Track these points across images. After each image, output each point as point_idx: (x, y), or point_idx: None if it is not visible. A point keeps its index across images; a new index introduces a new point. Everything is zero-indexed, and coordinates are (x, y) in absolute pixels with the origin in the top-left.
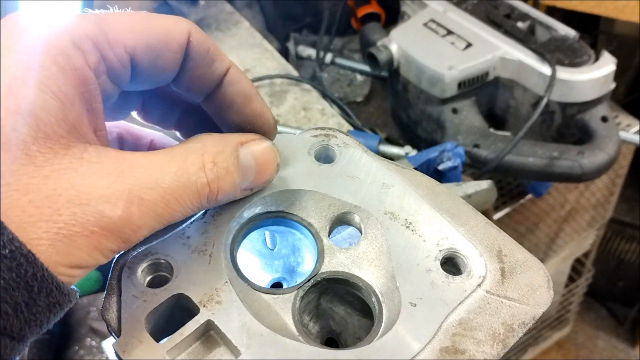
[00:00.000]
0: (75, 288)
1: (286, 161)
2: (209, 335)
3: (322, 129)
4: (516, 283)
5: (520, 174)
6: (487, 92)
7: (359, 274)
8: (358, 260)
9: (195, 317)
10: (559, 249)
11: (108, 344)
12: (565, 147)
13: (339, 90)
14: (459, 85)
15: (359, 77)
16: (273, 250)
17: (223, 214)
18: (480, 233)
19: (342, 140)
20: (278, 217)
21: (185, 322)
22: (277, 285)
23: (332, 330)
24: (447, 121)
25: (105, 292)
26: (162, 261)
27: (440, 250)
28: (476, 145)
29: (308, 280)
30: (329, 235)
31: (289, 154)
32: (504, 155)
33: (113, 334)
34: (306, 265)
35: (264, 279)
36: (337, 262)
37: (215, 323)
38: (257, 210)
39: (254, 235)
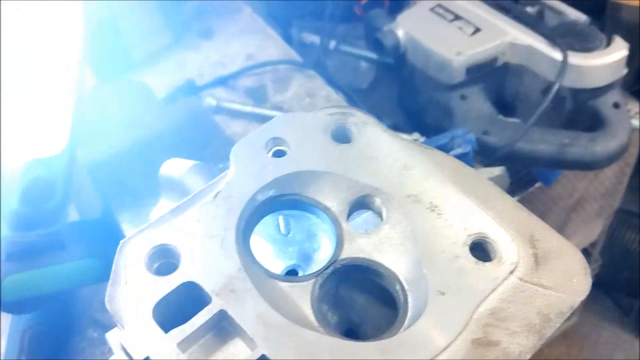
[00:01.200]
0: None
1: (301, 141)
2: (222, 326)
3: (338, 107)
4: (551, 270)
5: (530, 161)
6: (495, 78)
7: (382, 261)
8: (380, 245)
9: (207, 307)
10: (566, 238)
11: (112, 336)
12: (577, 134)
13: (343, 78)
14: (467, 71)
15: (363, 64)
16: (287, 236)
17: (234, 197)
18: (510, 217)
19: (361, 118)
20: (293, 201)
21: (196, 312)
22: (292, 273)
23: (351, 320)
24: (455, 108)
25: (110, 281)
26: (170, 247)
27: (468, 235)
28: (485, 133)
29: (327, 267)
30: (347, 220)
31: (303, 133)
32: (514, 142)
33: (119, 324)
34: (323, 252)
35: (278, 267)
36: (358, 248)
37: (229, 313)
38: (271, 193)
39: (267, 220)
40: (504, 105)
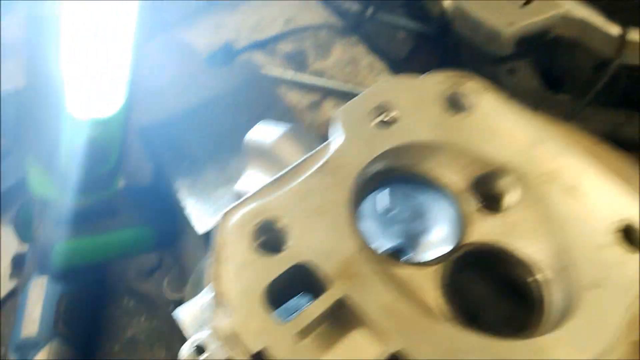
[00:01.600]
0: None
1: (412, 108)
2: (340, 314)
3: (451, 71)
4: None
5: None
6: (546, 52)
7: (516, 246)
8: (511, 229)
9: (327, 293)
10: None
11: (185, 314)
12: (632, 113)
13: (378, 47)
14: (517, 43)
15: (402, 33)
16: (390, 213)
17: (344, 169)
18: None
19: (479, 85)
20: (407, 175)
21: (304, 295)
22: (396, 255)
23: (469, 310)
24: (503, 81)
25: (212, 257)
26: (278, 222)
27: (615, 221)
28: (534, 109)
29: (453, 252)
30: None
31: (414, 100)
32: (566, 120)
33: (223, 308)
34: (436, 234)
35: (380, 248)
36: (486, 231)
37: (352, 301)
38: (381, 166)
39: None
40: (553, 81)
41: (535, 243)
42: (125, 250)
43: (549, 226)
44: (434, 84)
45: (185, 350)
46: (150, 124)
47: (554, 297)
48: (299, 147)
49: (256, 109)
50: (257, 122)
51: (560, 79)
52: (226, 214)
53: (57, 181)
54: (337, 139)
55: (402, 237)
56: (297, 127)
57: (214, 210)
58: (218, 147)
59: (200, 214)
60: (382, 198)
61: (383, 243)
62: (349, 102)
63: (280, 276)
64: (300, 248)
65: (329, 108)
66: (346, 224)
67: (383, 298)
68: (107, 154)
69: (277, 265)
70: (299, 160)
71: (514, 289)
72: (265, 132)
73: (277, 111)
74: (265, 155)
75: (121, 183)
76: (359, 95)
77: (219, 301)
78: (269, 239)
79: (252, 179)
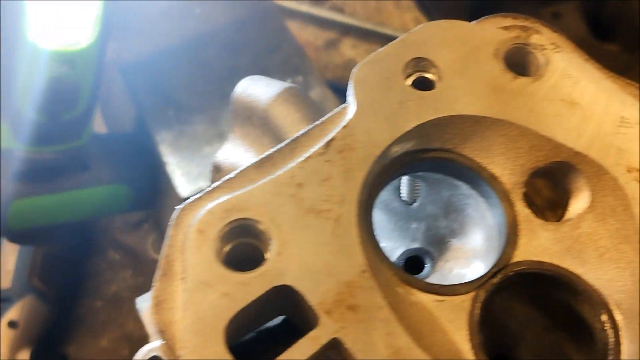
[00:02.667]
0: None
1: (458, 67)
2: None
3: (514, 16)
4: None
5: None
6: None
7: (580, 272)
8: (577, 246)
9: (314, 332)
10: None
11: (147, 305)
12: None
13: None
14: None
15: None
16: (411, 205)
17: (357, 150)
18: None
19: (549, 38)
20: (440, 160)
21: (291, 331)
22: (414, 263)
23: (503, 342)
24: None
25: (157, 271)
26: (256, 223)
27: None
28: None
29: (494, 275)
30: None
31: (462, 54)
32: (618, 74)
33: (168, 344)
34: (469, 242)
35: (391, 251)
36: (541, 247)
37: (347, 346)
38: (410, 145)
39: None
40: (602, 28)
41: (610, 269)
42: (98, 211)
43: (632, 246)
44: (490, 34)
45: (139, 357)
46: (132, 62)
47: (627, 346)
48: (299, 115)
49: (260, 49)
50: (260, 64)
51: (610, 26)
52: (183, 210)
53: (13, 127)
54: (349, 108)
55: (425, 239)
56: (297, 88)
57: (201, 172)
58: (210, 93)
59: (184, 173)
60: (404, 183)
61: (399, 244)
62: (369, 56)
63: (253, 305)
64: (283, 264)
65: (347, 48)
66: (352, 231)
67: (388, 341)
68: (75, 96)
69: (247, 289)
70: (295, 136)
71: (576, 330)
72: (257, 89)
73: (284, 53)
74: (254, 120)
75: (97, 130)
76: (383, 48)
77: (163, 336)
78: (241, 249)
79: (236, 150)
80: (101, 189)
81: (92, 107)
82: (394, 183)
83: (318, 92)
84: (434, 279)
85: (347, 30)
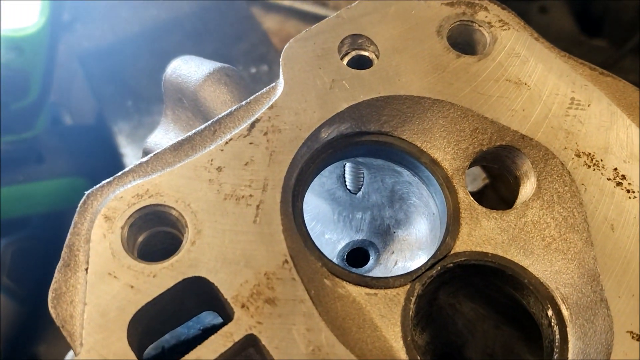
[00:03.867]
0: None
1: (398, 44)
2: (247, 356)
3: None
4: None
5: None
6: None
7: (526, 264)
8: (522, 236)
9: (226, 329)
10: None
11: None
12: None
13: None
14: None
15: None
16: (355, 194)
17: (284, 132)
18: None
19: (496, 15)
20: (379, 144)
21: (205, 328)
22: (358, 255)
23: (449, 341)
24: (533, 21)
25: (59, 263)
26: (169, 210)
27: None
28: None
29: (432, 266)
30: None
31: (403, 30)
32: (604, 68)
33: (70, 342)
34: (416, 227)
35: (335, 243)
36: (484, 237)
37: (263, 343)
38: (344, 128)
39: (326, 169)
40: (590, 23)
41: (557, 261)
42: (54, 204)
43: (580, 236)
44: (433, 10)
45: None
46: (92, 50)
47: (575, 338)
48: (230, 96)
49: (224, 37)
50: (224, 53)
51: (598, 20)
52: (90, 195)
53: None
54: (277, 87)
55: (370, 229)
56: (231, 68)
57: None
58: None
59: None
60: (349, 172)
61: (343, 235)
62: (302, 32)
63: (163, 298)
64: (197, 254)
65: None
66: (274, 218)
67: (309, 338)
68: (25, 84)
69: (157, 280)
70: (218, 117)
71: (526, 328)
72: (188, 69)
73: (249, 41)
74: (184, 103)
75: (44, 123)
76: (323, 21)
77: (64, 330)
78: (156, 235)
79: (167, 135)
80: (57, 181)
81: (45, 95)
82: (337, 171)
83: None
84: (377, 272)
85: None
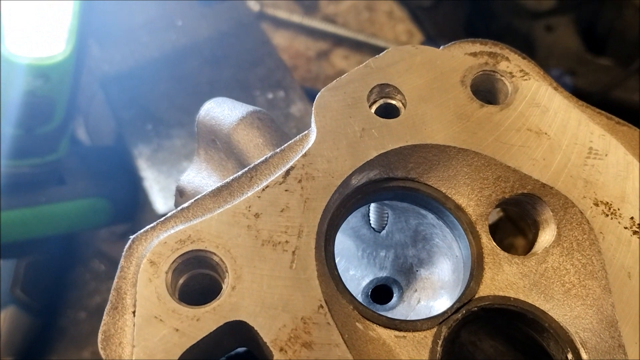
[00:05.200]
0: None
1: (424, 93)
2: None
3: (483, 42)
4: None
5: (626, 114)
6: (590, 9)
7: (546, 308)
8: (543, 281)
9: None
10: None
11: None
12: None
13: None
14: None
15: None
16: (379, 233)
17: (317, 179)
18: None
19: (517, 65)
20: (405, 190)
21: (229, 357)
22: (382, 292)
23: None
24: (538, 40)
25: (108, 305)
26: (210, 255)
27: None
28: (572, 73)
29: (457, 310)
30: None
31: (428, 80)
32: (610, 88)
33: None
34: (438, 267)
35: (359, 279)
36: (506, 281)
37: None
38: (373, 175)
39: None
40: (595, 42)
41: (575, 306)
42: (75, 225)
43: (599, 283)
44: (457, 60)
45: None
46: (113, 74)
47: None
48: (262, 140)
49: (242, 63)
50: (241, 78)
51: (603, 39)
52: (135, 240)
53: None
54: (310, 135)
55: (393, 267)
56: (263, 112)
57: None
58: (190, 107)
59: (161, 188)
60: (373, 210)
61: (367, 272)
62: (332, 82)
63: (205, 341)
64: (237, 299)
65: (338, 59)
66: (309, 264)
67: None
68: (50, 110)
69: (202, 323)
70: (254, 163)
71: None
72: (221, 112)
73: (266, 67)
74: (217, 144)
75: (67, 146)
76: (347, 74)
77: None
78: (198, 280)
79: (200, 174)
80: (78, 202)
81: (68, 120)
82: (362, 210)
83: (299, 108)
84: (401, 309)
85: (338, 41)
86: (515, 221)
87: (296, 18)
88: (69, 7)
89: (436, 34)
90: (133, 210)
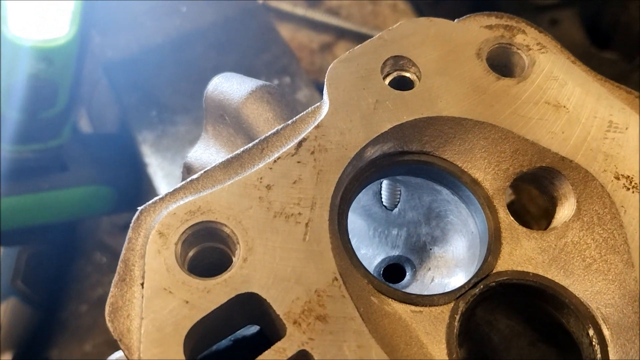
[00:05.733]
0: None
1: (439, 65)
2: None
3: (499, 15)
4: None
5: None
6: (594, 3)
7: (566, 283)
8: (563, 256)
9: (279, 344)
10: None
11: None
12: None
13: None
14: None
15: None
16: (391, 211)
17: (330, 151)
18: None
19: (534, 38)
20: (420, 163)
21: (236, 339)
22: (394, 271)
23: (485, 356)
24: None
25: (115, 276)
26: (221, 227)
27: None
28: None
29: (475, 285)
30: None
31: (443, 52)
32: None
33: (127, 355)
34: (453, 245)
35: (371, 258)
36: (525, 256)
37: (315, 359)
38: (387, 147)
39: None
40: (600, 36)
41: (598, 281)
42: (77, 212)
43: (621, 257)
44: (472, 33)
45: None
46: (117, 59)
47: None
48: (272, 114)
49: (247, 49)
50: (247, 64)
51: (608, 33)
52: (143, 211)
53: None
54: (322, 107)
55: (406, 246)
56: (272, 86)
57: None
58: (195, 93)
59: (165, 174)
60: (385, 188)
61: (379, 251)
62: (345, 53)
63: (216, 314)
64: (249, 271)
65: (342, 52)
66: (323, 236)
67: (362, 357)
68: (53, 94)
69: (212, 295)
70: (265, 135)
71: (563, 345)
72: (230, 87)
73: (271, 53)
74: (226, 119)
75: (70, 132)
76: (360, 46)
77: (120, 345)
78: (208, 253)
79: (208, 150)
80: (80, 189)
81: (72, 106)
82: (373, 187)
83: (305, 94)
84: (414, 288)
85: (342, 34)
86: (521, 214)
87: (300, 10)
88: None
89: None
90: (136, 198)
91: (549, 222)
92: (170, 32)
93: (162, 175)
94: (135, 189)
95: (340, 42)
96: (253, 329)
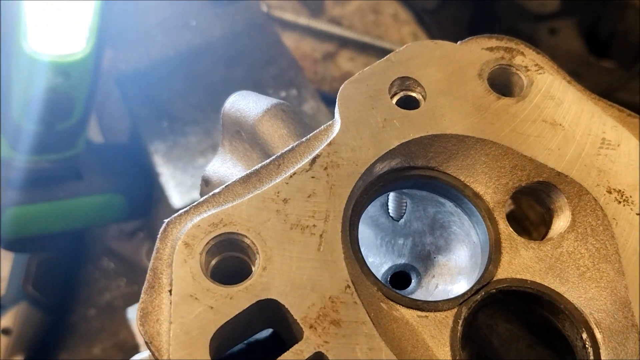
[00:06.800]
0: None
1: (443, 86)
2: None
3: (499, 37)
4: None
5: None
6: (593, 12)
7: (562, 290)
8: (558, 265)
9: (297, 347)
10: None
11: (135, 311)
12: None
13: None
14: None
15: None
16: (397, 221)
17: (342, 167)
18: None
19: (532, 60)
20: (425, 178)
21: (249, 342)
22: (400, 278)
23: (486, 358)
24: (542, 42)
25: (145, 284)
26: (242, 237)
27: None
28: (575, 75)
29: (477, 292)
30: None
31: (447, 74)
32: (612, 90)
33: (157, 356)
34: (455, 254)
35: (378, 266)
36: (523, 265)
37: (330, 359)
38: (394, 163)
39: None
40: (598, 44)
41: (590, 288)
42: (91, 220)
43: (612, 266)
44: (474, 54)
45: None
46: (129, 72)
47: None
48: (286, 131)
49: (255, 62)
50: (255, 77)
51: (606, 42)
52: (170, 223)
53: (10, 137)
54: (334, 125)
55: (411, 255)
56: (286, 104)
57: (194, 183)
58: (204, 105)
59: (177, 184)
60: (391, 199)
61: (386, 260)
62: (355, 74)
63: (238, 318)
64: (268, 279)
65: (344, 61)
66: (336, 246)
67: (372, 356)
68: (70, 106)
69: (235, 301)
70: (281, 152)
71: (559, 348)
72: (246, 105)
73: (278, 66)
74: (242, 135)
75: (84, 142)
76: (369, 67)
77: (150, 347)
78: (228, 262)
79: (225, 164)
80: (94, 198)
81: (87, 117)
82: (381, 199)
83: (312, 106)
84: (420, 294)
85: (344, 43)
86: (521, 221)
87: (303, 20)
88: (90, 6)
89: (440, 36)
90: (147, 206)
91: (547, 228)
92: (181, 46)
93: (174, 184)
94: (146, 198)
95: (342, 51)
96: (265, 332)
